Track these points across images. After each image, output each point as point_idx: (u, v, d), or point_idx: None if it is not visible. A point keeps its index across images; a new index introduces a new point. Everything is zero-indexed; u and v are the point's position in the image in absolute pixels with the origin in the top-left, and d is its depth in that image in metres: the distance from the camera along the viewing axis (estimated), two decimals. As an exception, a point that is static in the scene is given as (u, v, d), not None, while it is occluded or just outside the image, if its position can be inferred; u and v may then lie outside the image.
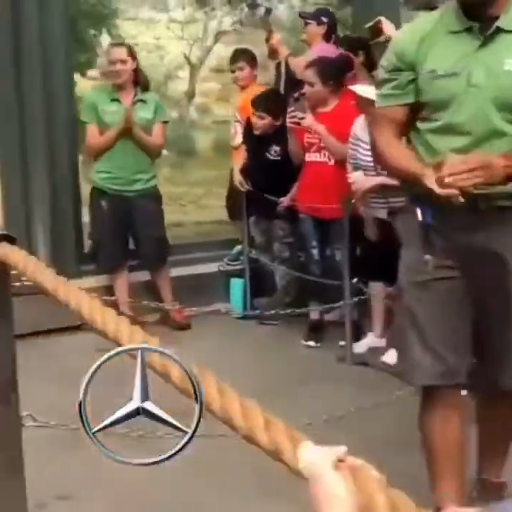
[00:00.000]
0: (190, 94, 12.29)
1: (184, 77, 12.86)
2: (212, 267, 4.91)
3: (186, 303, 4.66)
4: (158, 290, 4.59)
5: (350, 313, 4.02)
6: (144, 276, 4.66)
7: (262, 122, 4.53)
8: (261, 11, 11.69)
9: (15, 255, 1.93)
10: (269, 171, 4.57)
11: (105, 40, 11.97)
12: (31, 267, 1.84)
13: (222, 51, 13.29)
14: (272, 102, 4.53)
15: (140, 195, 4.49)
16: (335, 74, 4.21)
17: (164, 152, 10.53)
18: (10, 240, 2.02)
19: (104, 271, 4.55)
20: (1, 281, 2.12)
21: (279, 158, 4.56)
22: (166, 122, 4.63)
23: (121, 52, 4.47)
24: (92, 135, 4.46)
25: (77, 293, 1.61)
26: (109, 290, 4.53)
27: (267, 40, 4.68)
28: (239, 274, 4.79)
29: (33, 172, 4.54)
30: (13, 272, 1.99)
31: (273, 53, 4.72)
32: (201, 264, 4.92)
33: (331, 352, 4.16)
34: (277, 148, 4.55)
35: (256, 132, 4.58)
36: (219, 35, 12.21)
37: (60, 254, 4.59)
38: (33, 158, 4.53)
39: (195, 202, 9.41)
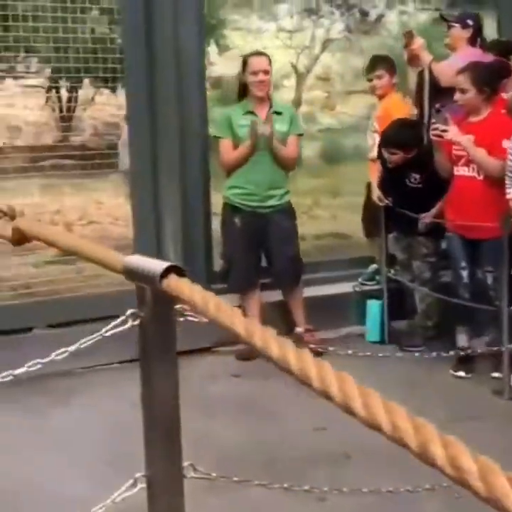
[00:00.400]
0: (297, 103, 12.03)
1: (290, 85, 12.61)
2: (344, 287, 4.56)
3: (318, 325, 4.36)
4: (291, 311, 4.29)
5: (508, 342, 3.61)
6: (275, 295, 4.37)
7: (393, 158, 4.19)
8: (372, 17, 11.31)
9: (185, 289, 1.67)
10: (410, 197, 4.20)
11: (213, 50, 11.86)
12: (209, 302, 1.57)
13: (329, 59, 12.99)
14: (403, 136, 4.14)
15: (274, 211, 4.18)
16: (490, 80, 3.79)
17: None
18: (179, 272, 1.76)
19: (236, 290, 4.27)
20: (167, 318, 1.86)
21: (420, 185, 4.17)
22: (300, 135, 4.31)
23: (264, 62, 4.16)
24: (226, 150, 4.17)
25: (266, 333, 1.33)
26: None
27: (407, 45, 4.30)
28: (376, 294, 4.42)
29: (164, 187, 4.30)
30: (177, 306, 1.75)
31: (413, 60, 4.34)
32: (332, 284, 4.59)
33: (483, 384, 3.75)
34: (417, 176, 4.16)
35: (389, 166, 4.26)
36: (327, 43, 11.91)
37: (190, 273, 4.35)
38: (164, 171, 4.31)
39: (306, 212, 9.11)
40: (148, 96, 4.27)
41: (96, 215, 8.15)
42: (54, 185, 7.94)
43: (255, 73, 4.13)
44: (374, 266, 4.56)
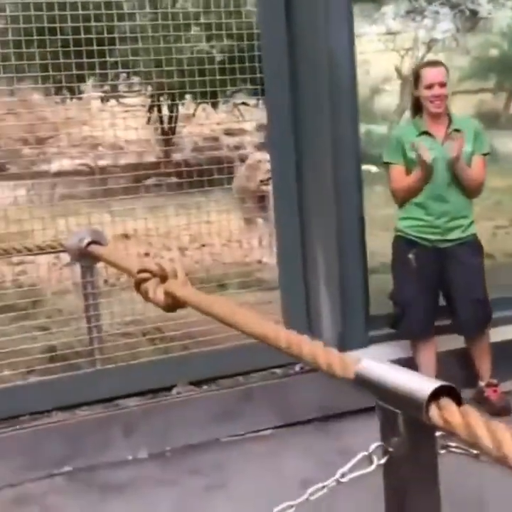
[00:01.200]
0: (401, 108, 11.16)
1: (391, 90, 11.77)
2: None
3: (498, 375, 3.57)
4: (473, 361, 3.51)
5: None
6: (453, 341, 3.60)
7: None
8: (481, 14, 10.32)
9: (471, 420, 1.12)
10: None
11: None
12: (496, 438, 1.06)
13: (433, 60, 12.07)
14: None
15: (457, 245, 3.41)
16: None
17: (374, 169, 9.34)
18: (451, 393, 1.18)
19: (410, 337, 3.51)
20: (428, 452, 1.27)
21: None
22: (486, 154, 3.48)
23: (440, 73, 3.37)
24: (398, 177, 3.43)
25: None
26: (404, 362, 3.53)
27: None
28: None
29: (313, 215, 3.61)
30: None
31: None
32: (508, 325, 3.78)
33: None
34: None
35: None
36: (431, 43, 11.01)
37: (345, 318, 3.64)
38: (312, 197, 3.61)
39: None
40: (292, 113, 3.59)
41: (207, 236, 7.54)
42: (159, 205, 7.39)
43: (430, 87, 3.36)
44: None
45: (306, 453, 3.27)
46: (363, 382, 1.35)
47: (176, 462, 3.16)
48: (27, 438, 3.10)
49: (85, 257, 3.26)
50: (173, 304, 2.32)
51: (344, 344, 3.64)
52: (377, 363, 1.36)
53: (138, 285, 2.42)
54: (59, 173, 8.66)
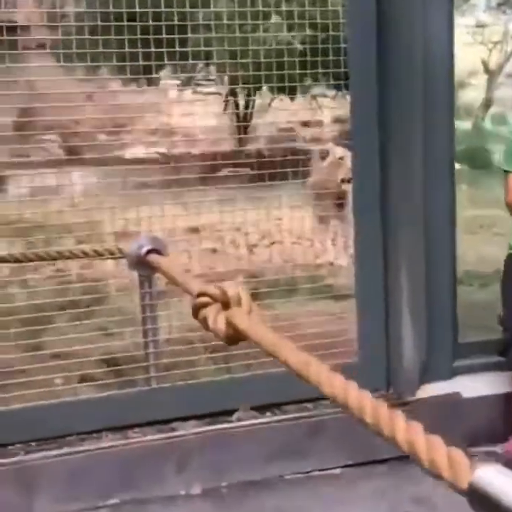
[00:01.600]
0: (487, 103, 10.46)
1: (477, 84, 11.07)
2: None
3: None
4: None
5: None
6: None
7: None
8: None
9: None
10: None
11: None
12: None
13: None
14: None
15: None
16: None
17: (457, 166, 8.62)
18: None
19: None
20: None
21: None
22: None
23: None
24: None
25: None
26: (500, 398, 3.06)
27: None
28: None
29: (398, 224, 3.17)
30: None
31: None
32: None
33: None
34: None
35: None
36: (523, 36, 10.25)
37: (431, 342, 3.19)
38: (398, 203, 3.16)
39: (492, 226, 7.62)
40: (378, 109, 3.14)
41: (277, 233, 7.12)
42: (231, 198, 7.02)
43: None
44: None
45: (378, 498, 2.85)
46: (481, 499, 0.92)
47: (233, 501, 2.78)
48: (73, 463, 2.78)
49: (144, 266, 2.89)
50: (235, 336, 1.94)
51: (427, 373, 3.20)
52: (505, 474, 0.93)
53: (196, 310, 2.05)
54: (132, 161, 8.40)
